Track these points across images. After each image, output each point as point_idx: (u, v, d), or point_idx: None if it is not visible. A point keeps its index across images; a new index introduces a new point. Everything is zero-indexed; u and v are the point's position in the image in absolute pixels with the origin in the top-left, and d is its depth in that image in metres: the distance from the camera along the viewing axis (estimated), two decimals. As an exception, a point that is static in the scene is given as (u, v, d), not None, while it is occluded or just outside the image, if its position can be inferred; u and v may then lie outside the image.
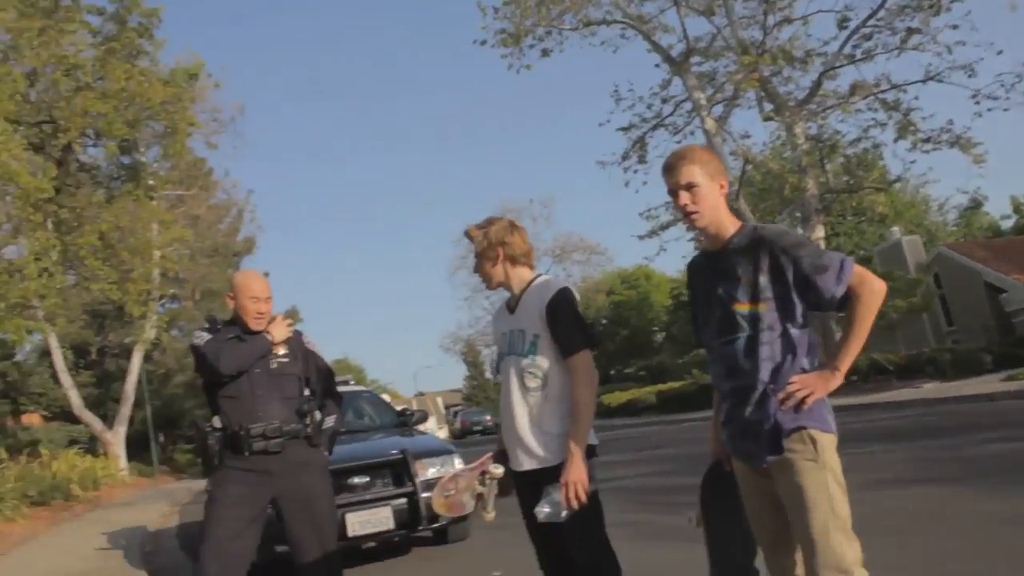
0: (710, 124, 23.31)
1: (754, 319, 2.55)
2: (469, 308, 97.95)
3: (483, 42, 23.79)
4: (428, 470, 6.70)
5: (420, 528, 6.58)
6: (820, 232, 23.32)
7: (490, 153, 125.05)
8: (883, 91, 22.50)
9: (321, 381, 4.07)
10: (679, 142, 25.75)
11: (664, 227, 26.63)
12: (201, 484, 17.30)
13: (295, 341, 4.03)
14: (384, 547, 6.82)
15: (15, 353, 28.88)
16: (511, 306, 3.24)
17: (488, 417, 50.89)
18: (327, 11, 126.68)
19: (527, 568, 5.93)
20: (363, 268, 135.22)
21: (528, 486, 3.09)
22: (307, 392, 3.97)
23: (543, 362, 3.06)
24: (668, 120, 25.33)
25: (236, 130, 35.11)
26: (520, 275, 3.21)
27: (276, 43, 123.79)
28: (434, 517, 6.53)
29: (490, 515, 3.18)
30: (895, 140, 22.65)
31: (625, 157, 25.70)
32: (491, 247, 3.17)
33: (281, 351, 3.93)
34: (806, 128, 23.40)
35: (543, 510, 2.93)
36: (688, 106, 24.71)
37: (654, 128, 25.34)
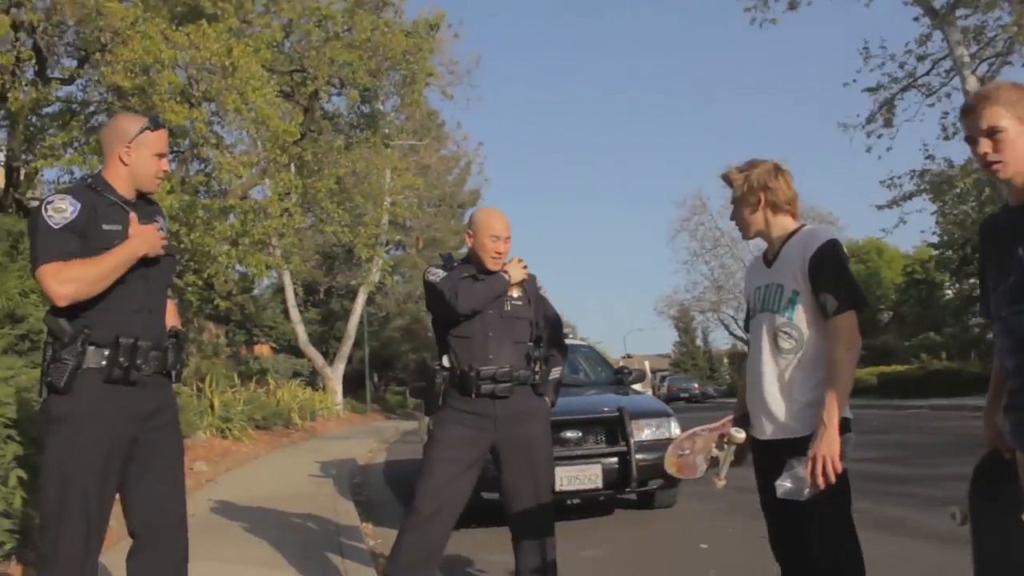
0: (973, 83, 21.22)
1: None
2: (688, 272, 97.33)
3: None
4: (644, 431, 6.50)
5: (628, 490, 6.36)
6: None
7: (724, 111, 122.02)
8: None
9: (549, 329, 3.93)
10: (931, 105, 24.23)
11: (907, 197, 24.90)
12: (408, 424, 18.04)
13: (529, 284, 3.89)
14: (588, 505, 6.69)
15: (253, 287, 30.97)
16: (768, 258, 2.91)
17: (696, 385, 50.10)
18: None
19: (733, 542, 5.73)
20: (584, 225, 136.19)
21: (768, 457, 2.81)
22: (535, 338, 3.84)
23: (800, 322, 2.74)
24: (922, 80, 23.36)
25: (471, 82, 35.93)
26: (782, 224, 2.88)
27: None
28: (644, 480, 6.33)
29: (721, 482, 2.93)
30: None
31: (870, 120, 24.10)
32: (752, 192, 2.85)
33: (515, 293, 3.81)
34: None
35: (784, 484, 2.64)
36: (947, 65, 22.63)
37: (905, 89, 23.45)
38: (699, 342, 77.80)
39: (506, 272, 3.77)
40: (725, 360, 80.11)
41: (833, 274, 2.71)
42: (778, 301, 2.82)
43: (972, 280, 33.88)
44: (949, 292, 38.71)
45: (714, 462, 2.98)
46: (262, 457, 11.43)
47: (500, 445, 3.69)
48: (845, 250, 2.82)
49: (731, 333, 66.53)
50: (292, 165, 14.62)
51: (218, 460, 9.48)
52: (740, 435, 2.89)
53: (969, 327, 34.94)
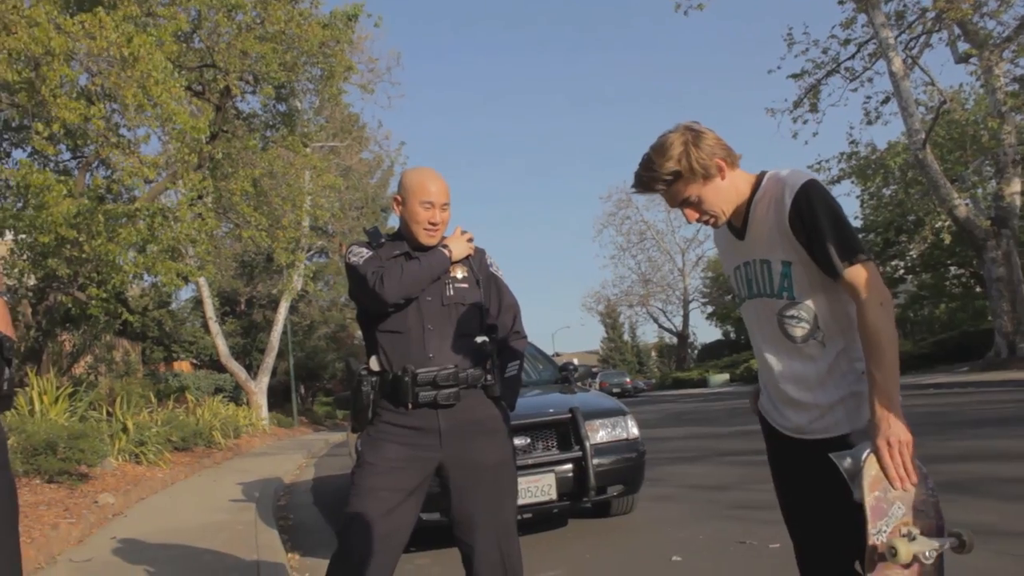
0: (898, 65, 21.50)
1: None
2: (615, 267, 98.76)
3: None
4: (599, 432, 5.85)
5: (585, 500, 5.68)
6: (1016, 186, 21.49)
7: (644, 106, 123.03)
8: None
9: (504, 316, 3.10)
10: (855, 90, 25.76)
11: (835, 181, 25.52)
12: (337, 436, 17.36)
13: (477, 261, 3.09)
14: (539, 520, 6.05)
15: (171, 302, 29.84)
16: (736, 227, 2.24)
17: (628, 379, 49.94)
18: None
19: (708, 551, 5.14)
20: (509, 224, 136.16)
21: (798, 452, 2.19)
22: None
23: (805, 296, 2.09)
24: (846, 64, 23.86)
25: (392, 79, 35.15)
26: (743, 178, 2.21)
27: None
28: (603, 487, 5.65)
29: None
30: None
31: (797, 105, 24.50)
32: (708, 165, 2.13)
33: (459, 274, 3.00)
34: (1006, 70, 21.34)
35: (844, 459, 2.01)
36: (869, 49, 23.09)
37: (829, 74, 23.96)
38: (627, 337, 78.34)
39: (446, 247, 2.99)
40: (653, 353, 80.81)
41: (828, 224, 2.05)
42: (769, 282, 2.17)
43: (894, 262, 34.49)
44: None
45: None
46: (180, 483, 10.56)
47: (448, 465, 2.88)
48: (828, 191, 2.14)
49: (660, 326, 67.20)
50: (204, 167, 13.75)
51: (129, 489, 8.60)
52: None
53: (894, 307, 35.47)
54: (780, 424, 2.27)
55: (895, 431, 1.94)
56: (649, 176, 2.18)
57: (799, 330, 2.15)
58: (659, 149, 2.16)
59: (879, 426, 1.96)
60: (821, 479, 2.11)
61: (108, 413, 11.46)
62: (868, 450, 1.96)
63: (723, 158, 2.15)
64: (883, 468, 1.94)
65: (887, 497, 1.96)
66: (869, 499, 1.94)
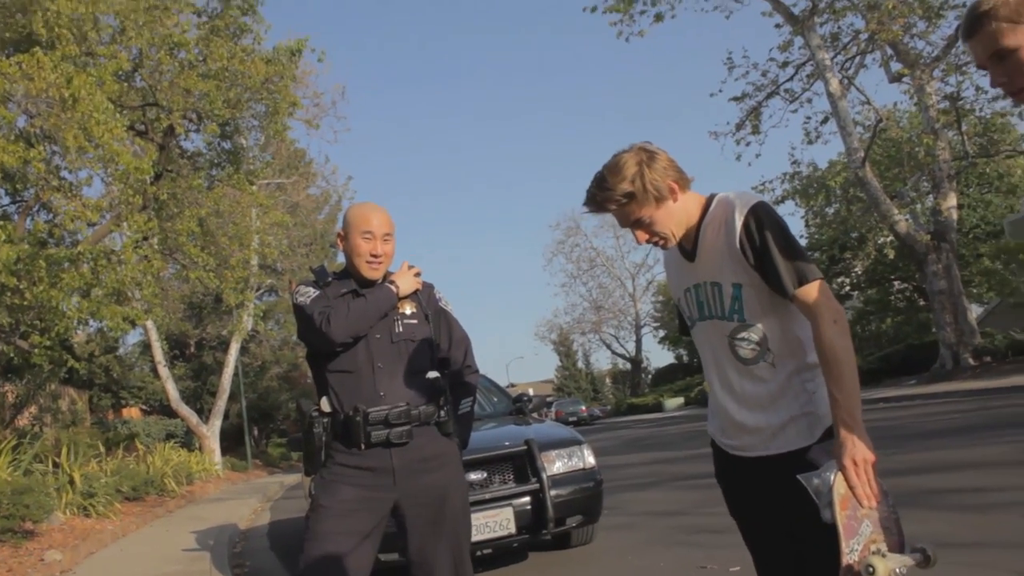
0: (835, 86, 22.10)
1: None
2: (566, 295, 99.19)
3: (593, 8, 22.97)
4: (556, 463, 5.83)
5: (545, 532, 5.64)
6: (952, 200, 22.10)
7: (593, 132, 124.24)
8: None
9: (455, 351, 3.10)
10: (795, 111, 25.66)
11: (778, 201, 26.10)
12: (293, 478, 17.11)
13: (425, 296, 3.08)
14: (498, 553, 5.99)
15: (118, 347, 29.24)
16: (687, 248, 2.24)
17: (583, 407, 49.97)
18: None
19: None
20: (459, 256, 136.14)
21: (755, 473, 2.17)
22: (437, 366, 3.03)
23: (755, 318, 2.10)
24: (785, 86, 24.51)
25: (337, 113, 35.04)
26: (694, 201, 2.21)
27: (377, 25, 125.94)
28: (562, 519, 5.64)
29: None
30: None
31: (739, 127, 24.99)
32: (660, 187, 2.13)
33: (408, 310, 2.99)
34: (937, 88, 22.02)
35: (811, 480, 2.00)
36: (808, 70, 23.74)
37: (769, 96, 24.52)
38: (581, 364, 78.55)
39: (393, 283, 2.98)
40: (608, 380, 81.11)
41: (777, 245, 2.06)
42: (720, 304, 2.17)
43: (840, 279, 35.11)
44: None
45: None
46: (132, 534, 10.27)
47: (403, 504, 2.85)
48: (777, 212, 2.17)
49: (613, 352, 67.50)
50: (149, 208, 13.55)
51: (78, 544, 8.34)
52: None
53: (846, 323, 36.04)
54: (730, 445, 2.27)
55: (859, 450, 1.95)
56: (603, 196, 2.17)
57: (749, 351, 2.15)
58: (613, 169, 2.15)
59: (844, 445, 1.96)
60: (775, 497, 2.12)
61: (54, 465, 11.15)
62: (835, 469, 1.97)
63: (676, 180, 2.16)
64: (851, 487, 1.94)
65: (856, 515, 1.96)
66: (840, 518, 1.94)
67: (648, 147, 2.19)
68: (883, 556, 1.93)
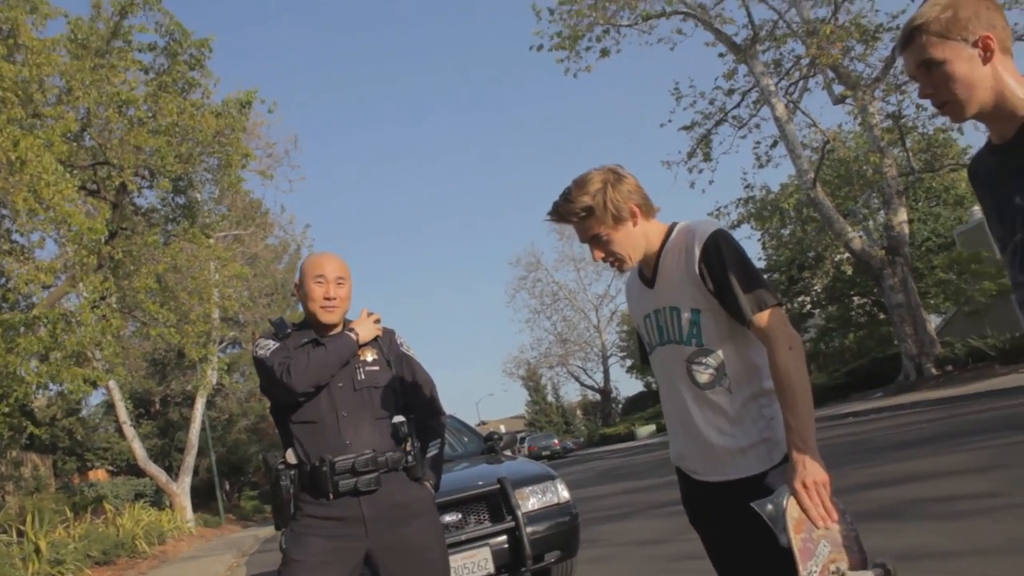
0: (781, 110, 22.55)
1: None
2: (531, 330, 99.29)
3: (539, 47, 23.28)
4: (530, 500, 5.80)
5: (523, 570, 5.61)
6: (903, 215, 22.57)
7: (547, 165, 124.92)
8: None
9: (419, 395, 3.08)
10: (743, 137, 25.90)
11: (734, 226, 26.60)
12: (267, 530, 16.85)
13: (387, 342, 3.07)
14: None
15: (80, 409, 28.76)
16: (646, 275, 2.29)
17: (556, 441, 49.77)
18: (367, 32, 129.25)
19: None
20: (420, 299, 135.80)
21: (717, 499, 2.20)
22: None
23: (713, 343, 2.13)
24: (733, 113, 24.85)
25: (291, 163, 34.97)
26: (655, 229, 2.25)
27: (324, 72, 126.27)
28: (540, 555, 5.62)
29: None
30: None
31: (691, 155, 25.33)
32: (621, 208, 2.18)
33: (369, 356, 2.98)
34: (880, 108, 22.56)
35: (765, 506, 2.02)
36: (753, 96, 24.17)
37: (718, 123, 24.91)
38: (550, 398, 78.48)
39: (352, 331, 2.97)
40: (579, 412, 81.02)
41: (735, 269, 2.11)
42: (678, 328, 2.20)
43: (801, 298, 35.54)
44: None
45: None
46: (102, 598, 10.05)
47: (376, 553, 2.80)
48: (736, 239, 2.22)
49: (582, 384, 67.48)
50: (105, 267, 13.40)
51: (45, 613, 8.15)
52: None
53: (804, 343, 36.39)
54: (691, 470, 2.30)
55: (810, 472, 1.98)
56: (565, 208, 2.24)
57: (706, 376, 2.18)
58: (579, 183, 2.23)
59: (796, 468, 1.99)
60: (737, 521, 2.13)
61: (19, 534, 10.92)
62: (788, 494, 1.99)
63: (638, 204, 2.22)
64: (804, 510, 1.97)
65: (812, 537, 1.98)
66: (796, 541, 1.96)
67: (618, 169, 2.26)
68: (842, 575, 1.95)
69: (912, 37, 1.72)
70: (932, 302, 28.54)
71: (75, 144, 13.69)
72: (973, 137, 29.96)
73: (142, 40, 13.99)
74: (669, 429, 2.39)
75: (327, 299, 2.93)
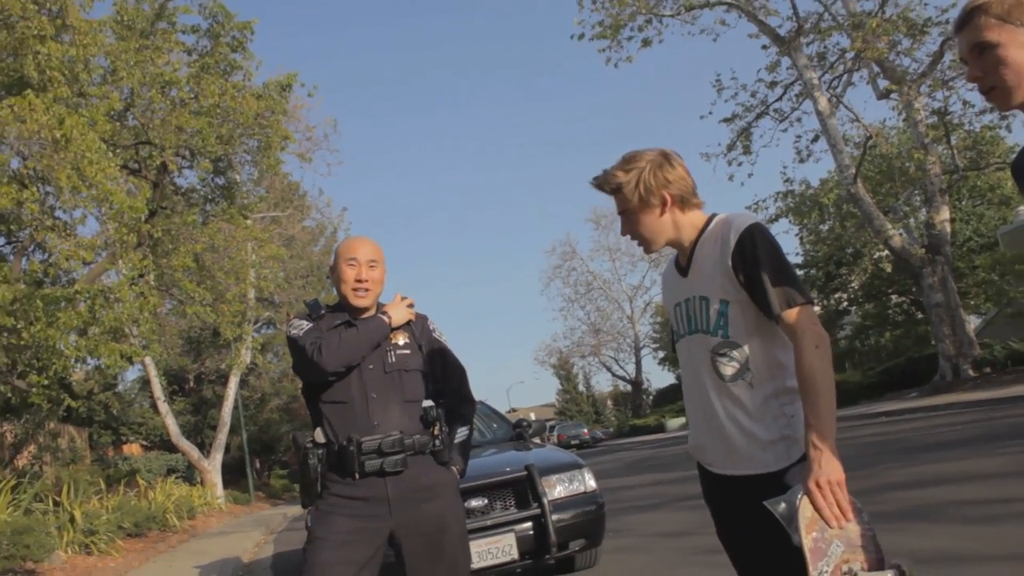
0: (824, 104, 22.25)
1: None
2: (564, 319, 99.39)
3: (580, 36, 23.13)
4: (557, 488, 5.83)
5: (548, 557, 5.65)
6: (945, 214, 22.19)
7: (585, 157, 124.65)
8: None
9: (450, 380, 3.12)
10: (784, 130, 25.79)
11: (772, 220, 26.17)
12: (296, 509, 17.03)
13: (418, 327, 3.09)
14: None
15: (117, 384, 29.17)
16: (682, 264, 2.28)
17: (585, 430, 49.81)
18: (413, 20, 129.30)
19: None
20: (457, 284, 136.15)
21: (734, 492, 2.19)
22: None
23: (739, 337, 2.12)
24: (774, 106, 24.60)
25: (330, 147, 35.16)
26: (692, 221, 2.24)
27: (367, 55, 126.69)
28: (564, 543, 5.65)
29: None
30: None
31: (730, 148, 25.10)
32: (651, 192, 2.19)
33: (400, 340, 3.00)
34: (925, 104, 22.17)
35: (778, 505, 2.01)
36: (796, 89, 23.88)
37: (759, 116, 24.63)
38: (581, 387, 78.43)
39: (385, 314, 3.01)
40: (609, 402, 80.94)
41: (767, 264, 2.09)
42: (706, 318, 2.20)
43: (838, 294, 35.18)
44: (816, 309, 40.08)
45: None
46: (134, 571, 10.21)
47: (400, 533, 2.84)
48: (772, 234, 2.20)
49: (613, 374, 67.39)
50: (144, 245, 13.57)
51: (79, 582, 8.32)
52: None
53: (838, 340, 36.11)
54: (709, 463, 2.29)
55: (826, 471, 1.97)
56: (602, 178, 2.29)
57: (729, 368, 2.18)
58: (626, 158, 2.27)
59: (811, 467, 1.99)
60: (754, 516, 2.12)
61: (55, 503, 11.13)
62: (801, 493, 1.98)
63: (673, 194, 2.21)
64: (817, 509, 1.96)
65: (824, 537, 1.97)
66: (807, 541, 1.95)
67: (671, 155, 2.27)
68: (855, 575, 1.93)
69: (971, 17, 1.69)
70: (972, 303, 28.15)
71: (118, 124, 13.85)
72: (1021, 135, 29.51)
73: (186, 22, 14.16)
74: (690, 419, 2.39)
75: (358, 281, 2.95)
